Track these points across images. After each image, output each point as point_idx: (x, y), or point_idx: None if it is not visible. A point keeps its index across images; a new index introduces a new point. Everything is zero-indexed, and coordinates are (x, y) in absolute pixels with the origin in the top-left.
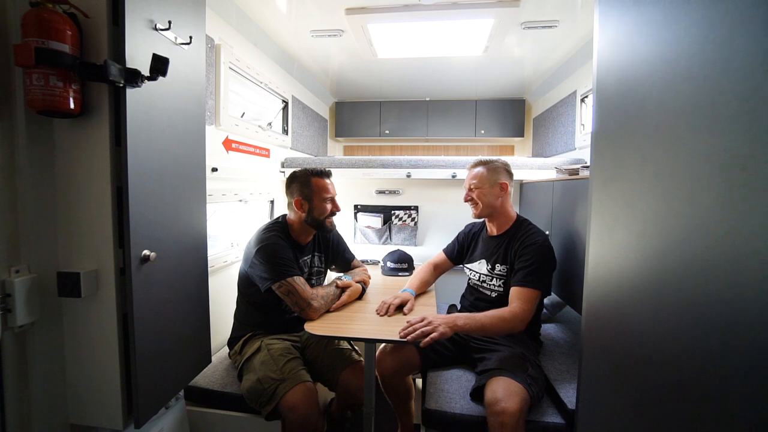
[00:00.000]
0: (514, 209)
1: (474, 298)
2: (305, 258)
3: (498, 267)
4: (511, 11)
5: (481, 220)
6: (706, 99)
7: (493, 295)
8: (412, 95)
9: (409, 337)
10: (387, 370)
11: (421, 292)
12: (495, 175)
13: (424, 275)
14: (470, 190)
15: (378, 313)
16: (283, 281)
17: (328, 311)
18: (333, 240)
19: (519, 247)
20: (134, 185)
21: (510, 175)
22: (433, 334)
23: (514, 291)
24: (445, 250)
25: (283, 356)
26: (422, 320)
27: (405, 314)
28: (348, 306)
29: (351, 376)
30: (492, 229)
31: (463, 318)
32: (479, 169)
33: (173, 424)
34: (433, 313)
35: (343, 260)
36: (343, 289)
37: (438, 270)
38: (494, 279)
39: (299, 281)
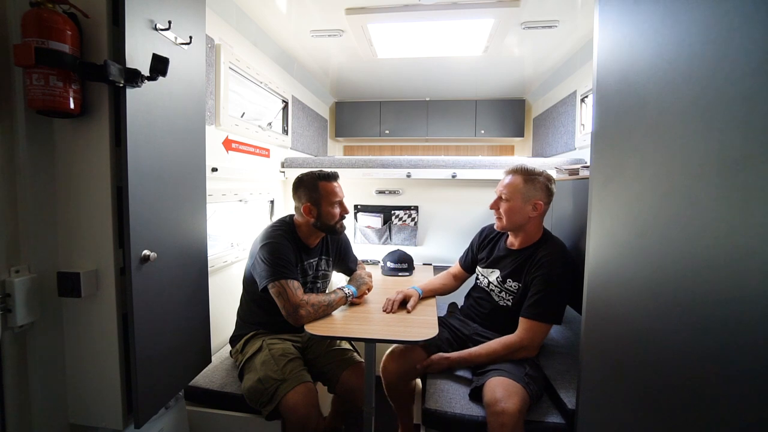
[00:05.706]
0: (542, 228)
1: (478, 296)
2: (312, 260)
3: (509, 282)
4: (511, 11)
5: None
6: (706, 99)
7: (501, 303)
8: (412, 95)
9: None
10: (392, 375)
11: (427, 296)
12: (532, 190)
13: (436, 281)
14: (500, 198)
15: (384, 311)
16: (277, 282)
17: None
18: (342, 244)
19: (535, 270)
20: (134, 185)
21: (550, 193)
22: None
23: (521, 321)
24: (461, 261)
25: (284, 356)
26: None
27: (409, 312)
28: (347, 306)
29: (351, 378)
30: (513, 242)
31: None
32: (515, 178)
33: (173, 424)
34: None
35: (346, 268)
36: (346, 298)
37: (457, 280)
38: (503, 292)
39: (292, 285)
